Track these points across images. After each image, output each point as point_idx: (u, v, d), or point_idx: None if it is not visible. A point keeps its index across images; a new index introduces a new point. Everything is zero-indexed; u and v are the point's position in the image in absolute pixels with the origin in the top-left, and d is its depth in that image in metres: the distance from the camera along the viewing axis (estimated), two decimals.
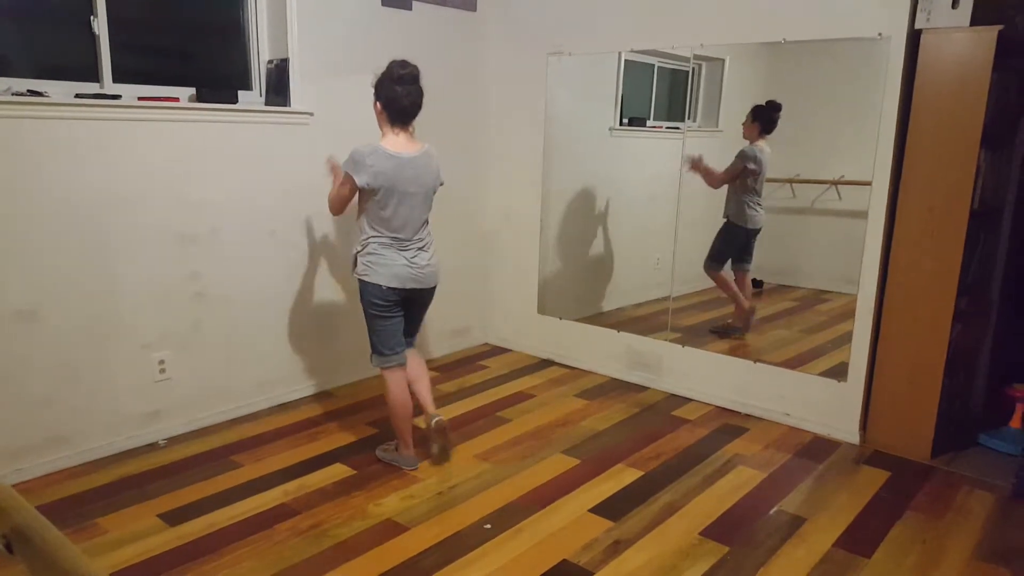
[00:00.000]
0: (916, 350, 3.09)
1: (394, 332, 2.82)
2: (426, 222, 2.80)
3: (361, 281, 2.75)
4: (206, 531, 2.44)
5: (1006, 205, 3.29)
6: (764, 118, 3.59)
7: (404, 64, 2.65)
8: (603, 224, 4.37)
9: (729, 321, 3.91)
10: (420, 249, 2.77)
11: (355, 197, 2.72)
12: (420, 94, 2.67)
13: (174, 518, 2.51)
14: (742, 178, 3.72)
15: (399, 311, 2.81)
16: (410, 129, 2.72)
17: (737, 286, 3.90)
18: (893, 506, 2.74)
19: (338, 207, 2.75)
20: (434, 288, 2.87)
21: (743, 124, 3.64)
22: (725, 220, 3.82)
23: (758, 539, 2.49)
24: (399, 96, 2.63)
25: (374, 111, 2.71)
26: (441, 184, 2.83)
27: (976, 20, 2.80)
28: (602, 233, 4.39)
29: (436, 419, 2.91)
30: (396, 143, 2.68)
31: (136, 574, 2.20)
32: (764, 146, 3.64)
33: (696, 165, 3.72)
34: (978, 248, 3.16)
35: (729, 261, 3.90)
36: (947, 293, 2.99)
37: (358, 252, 2.74)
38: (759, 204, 3.73)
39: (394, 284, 2.72)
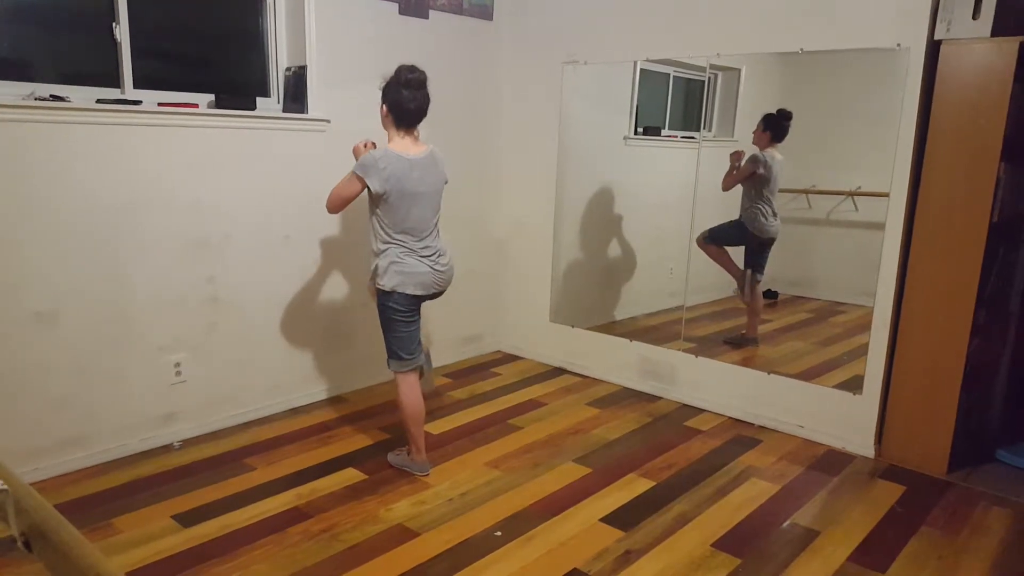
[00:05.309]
0: (933, 363, 3.06)
1: (415, 336, 2.85)
2: (436, 222, 2.83)
3: (384, 292, 2.76)
4: (220, 533, 2.45)
5: None
6: (775, 126, 3.59)
7: (412, 69, 2.68)
8: (616, 233, 4.37)
9: (743, 332, 3.89)
10: (439, 254, 2.81)
11: (355, 200, 2.73)
12: (426, 99, 2.71)
13: (188, 519, 2.53)
14: (754, 184, 3.71)
15: (419, 314, 2.85)
16: (415, 133, 2.76)
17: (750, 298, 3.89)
18: (908, 521, 2.71)
19: (338, 205, 2.74)
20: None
21: (754, 132, 3.64)
22: (739, 219, 3.81)
23: (771, 552, 2.47)
24: (405, 100, 2.66)
25: (380, 114, 2.74)
26: (446, 183, 2.86)
27: (997, 31, 2.78)
28: (615, 242, 4.39)
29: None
30: (403, 145, 2.72)
31: (150, 574, 2.22)
32: (775, 154, 3.63)
33: (735, 156, 3.71)
34: (997, 261, 3.13)
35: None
36: (965, 306, 2.96)
37: (379, 264, 2.75)
38: (772, 213, 3.72)
39: (419, 292, 2.76)
